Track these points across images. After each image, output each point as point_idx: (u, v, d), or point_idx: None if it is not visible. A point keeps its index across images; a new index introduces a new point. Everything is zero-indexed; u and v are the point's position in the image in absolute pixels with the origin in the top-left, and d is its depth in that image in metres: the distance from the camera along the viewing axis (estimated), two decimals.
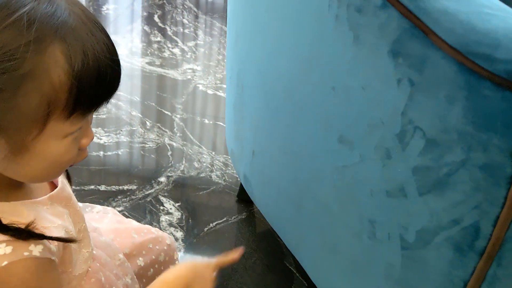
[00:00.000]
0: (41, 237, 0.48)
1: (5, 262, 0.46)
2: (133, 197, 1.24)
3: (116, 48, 0.48)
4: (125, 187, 1.27)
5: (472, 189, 0.49)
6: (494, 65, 0.43)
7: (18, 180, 0.49)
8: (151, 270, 0.77)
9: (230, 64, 1.01)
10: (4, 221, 0.47)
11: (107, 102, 0.48)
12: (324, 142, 0.70)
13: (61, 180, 0.59)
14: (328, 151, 0.69)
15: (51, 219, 0.53)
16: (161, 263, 0.78)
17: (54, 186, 0.58)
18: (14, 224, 0.47)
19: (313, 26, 0.65)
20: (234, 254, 0.65)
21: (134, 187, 1.28)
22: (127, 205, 1.21)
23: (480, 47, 0.43)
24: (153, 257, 0.77)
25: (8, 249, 0.46)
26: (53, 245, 0.51)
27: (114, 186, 1.27)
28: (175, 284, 0.59)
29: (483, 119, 0.46)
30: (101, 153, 1.38)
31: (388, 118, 0.57)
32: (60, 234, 0.52)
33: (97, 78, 0.44)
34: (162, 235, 0.81)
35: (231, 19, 0.96)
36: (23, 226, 0.47)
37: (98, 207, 0.82)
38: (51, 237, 0.50)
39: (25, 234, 0.47)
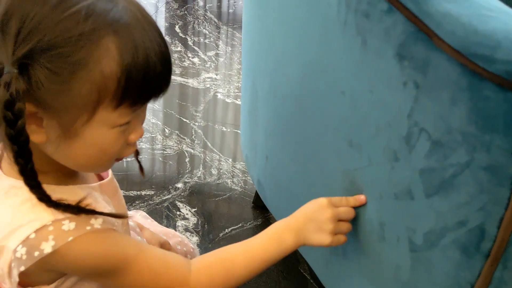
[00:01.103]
0: (92, 212, 0.51)
1: (71, 238, 0.49)
2: (150, 202, 1.27)
3: None
4: (143, 193, 1.30)
5: (477, 190, 0.49)
6: (495, 66, 0.43)
7: (67, 166, 0.52)
8: None
9: (245, 72, 1.03)
10: (68, 202, 0.50)
11: (156, 99, 0.50)
12: (334, 146, 0.71)
13: (111, 173, 0.62)
14: (338, 155, 0.70)
15: (103, 204, 0.56)
16: None
17: (102, 179, 0.62)
18: (64, 201, 0.49)
19: (321, 32, 0.67)
20: (355, 198, 0.64)
21: (152, 192, 1.30)
22: (145, 210, 1.23)
23: (480, 48, 0.44)
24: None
25: (72, 225, 0.50)
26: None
27: (132, 191, 1.30)
28: (286, 231, 0.60)
29: (486, 120, 0.46)
30: None
31: (395, 120, 0.58)
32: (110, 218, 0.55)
33: (145, 73, 0.46)
34: (185, 238, 0.83)
35: (245, 29, 0.99)
36: (82, 203, 0.51)
37: (128, 212, 0.84)
38: (103, 212, 0.52)
39: (77, 209, 0.50)
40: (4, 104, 0.43)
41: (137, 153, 0.63)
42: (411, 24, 0.52)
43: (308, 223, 0.61)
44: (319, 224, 0.61)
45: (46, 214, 0.49)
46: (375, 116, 0.61)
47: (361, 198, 0.64)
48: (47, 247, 0.48)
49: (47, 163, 0.51)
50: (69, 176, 0.55)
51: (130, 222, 0.73)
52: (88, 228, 0.51)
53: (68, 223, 0.49)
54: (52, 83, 0.44)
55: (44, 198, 0.49)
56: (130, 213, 0.84)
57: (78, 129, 0.47)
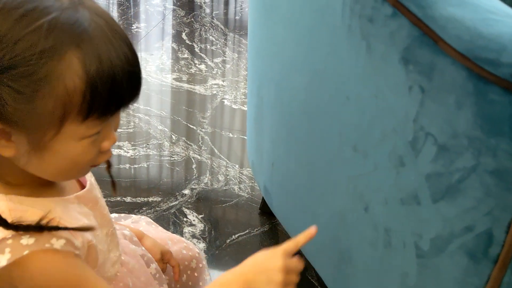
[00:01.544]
0: (55, 228, 0.50)
1: (27, 251, 0.48)
2: (157, 208, 1.27)
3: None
4: (150, 199, 1.30)
5: (484, 195, 0.49)
6: (500, 69, 0.43)
7: (42, 177, 0.52)
8: (184, 276, 0.79)
9: (251, 78, 1.03)
10: (32, 217, 0.49)
11: (125, 109, 0.50)
12: (339, 152, 0.70)
13: (90, 181, 0.61)
14: (343, 160, 0.70)
15: (78, 217, 0.55)
16: (193, 270, 0.80)
17: (83, 187, 0.60)
18: (23, 220, 0.49)
19: (326, 38, 0.67)
20: (305, 235, 0.61)
21: (159, 199, 1.30)
22: (151, 216, 1.23)
23: (486, 52, 0.44)
24: (186, 263, 0.79)
25: (31, 240, 0.49)
26: (78, 240, 0.53)
27: (139, 198, 1.30)
28: (234, 283, 0.57)
29: (491, 123, 0.46)
30: (127, 165, 1.42)
31: (400, 125, 0.57)
32: (84, 232, 0.54)
33: (111, 86, 0.46)
34: (190, 243, 0.83)
35: (251, 36, 0.99)
36: (43, 221, 0.49)
37: (133, 217, 0.84)
38: (66, 227, 0.51)
39: (38, 228, 0.49)
40: None
41: (108, 165, 0.62)
42: (416, 28, 0.52)
43: (259, 274, 0.58)
44: (270, 275, 0.58)
45: None
46: (380, 121, 0.60)
47: (311, 231, 0.61)
48: (3, 260, 0.48)
49: (21, 176, 0.51)
50: (44, 187, 0.54)
51: (125, 231, 0.72)
52: (47, 245, 0.50)
53: (28, 238, 0.49)
54: (16, 101, 0.44)
55: (0, 222, 0.48)
56: (134, 217, 0.84)
57: (47, 143, 0.47)
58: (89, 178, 0.62)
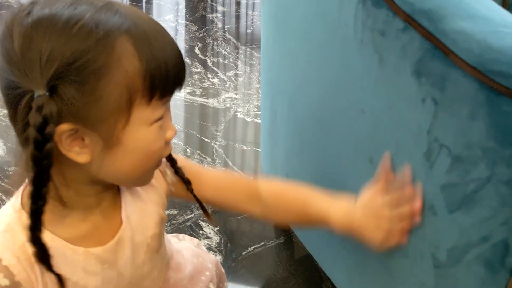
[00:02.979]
0: (48, 266, 0.51)
1: None
2: (174, 221, 1.28)
3: None
4: (167, 212, 1.31)
5: (499, 204, 0.49)
6: (511, 81, 0.44)
7: (111, 182, 0.53)
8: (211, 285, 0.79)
9: (264, 92, 1.05)
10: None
11: (180, 88, 0.52)
12: (354, 163, 0.71)
13: (114, 241, 0.56)
14: (359, 172, 0.71)
15: (71, 270, 0.53)
16: (217, 278, 0.79)
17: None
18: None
19: (339, 51, 0.68)
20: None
21: (175, 212, 1.32)
22: (168, 230, 1.25)
23: (496, 64, 0.45)
24: (208, 273, 0.78)
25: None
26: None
27: None
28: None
29: (505, 134, 0.46)
30: None
31: (414, 137, 0.58)
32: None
33: (165, 62, 0.48)
34: (201, 252, 0.82)
35: (263, 50, 1.00)
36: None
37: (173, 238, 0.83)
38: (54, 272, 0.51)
39: (41, 255, 0.50)
40: (38, 127, 0.45)
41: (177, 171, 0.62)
42: (427, 41, 0.53)
43: (369, 219, 0.62)
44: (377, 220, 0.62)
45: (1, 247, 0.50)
46: (395, 133, 0.61)
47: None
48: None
49: (73, 196, 0.52)
50: (74, 226, 0.53)
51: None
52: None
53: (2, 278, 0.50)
54: (83, 95, 0.45)
55: (36, 227, 0.49)
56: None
57: (120, 136, 0.49)
58: (128, 234, 0.57)
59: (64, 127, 0.46)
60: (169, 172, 0.63)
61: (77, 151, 0.48)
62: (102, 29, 0.46)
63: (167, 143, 0.54)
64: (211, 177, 0.68)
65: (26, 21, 0.46)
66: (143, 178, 0.56)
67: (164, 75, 0.49)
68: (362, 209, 0.63)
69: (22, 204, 0.52)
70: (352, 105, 0.68)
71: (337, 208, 0.64)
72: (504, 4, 1.08)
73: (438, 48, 0.51)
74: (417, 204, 0.59)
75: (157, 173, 0.61)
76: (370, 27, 0.60)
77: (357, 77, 0.66)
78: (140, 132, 0.49)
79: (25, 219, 0.50)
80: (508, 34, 0.46)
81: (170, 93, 0.51)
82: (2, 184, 1.32)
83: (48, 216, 0.50)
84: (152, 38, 0.48)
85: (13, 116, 0.48)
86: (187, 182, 0.63)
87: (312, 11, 0.73)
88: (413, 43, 0.54)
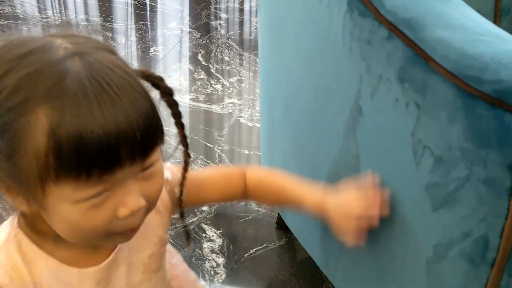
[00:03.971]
0: None
1: None
2: (177, 225, 1.31)
3: None
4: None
5: (477, 202, 0.52)
6: (484, 86, 0.47)
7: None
8: None
9: (262, 98, 1.08)
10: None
11: (114, 169, 0.43)
12: (345, 165, 0.74)
13: (108, 260, 0.54)
14: (351, 174, 0.74)
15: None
16: None
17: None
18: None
19: (329, 60, 0.71)
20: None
21: (179, 215, 1.35)
22: (172, 233, 1.28)
23: (471, 70, 0.48)
24: None
25: None
26: None
27: None
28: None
29: (480, 136, 0.49)
30: None
31: (401, 139, 0.61)
32: None
33: (77, 146, 0.42)
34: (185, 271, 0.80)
35: (261, 58, 1.04)
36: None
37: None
38: None
39: None
40: None
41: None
42: (409, 49, 0.56)
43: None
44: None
45: None
46: (383, 135, 0.64)
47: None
48: None
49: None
50: (61, 247, 0.52)
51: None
52: None
53: None
54: (7, 157, 0.44)
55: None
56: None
57: (43, 203, 0.45)
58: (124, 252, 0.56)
59: None
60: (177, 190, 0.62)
61: (20, 200, 0.47)
62: (24, 93, 0.42)
63: (121, 219, 0.46)
64: (208, 180, 0.70)
65: None
66: (93, 243, 0.52)
67: (74, 158, 0.41)
68: (335, 209, 0.67)
69: (18, 223, 0.52)
70: (343, 110, 0.71)
71: (311, 197, 0.70)
72: (496, 8, 1.11)
73: (419, 55, 0.54)
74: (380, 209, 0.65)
75: (164, 194, 0.59)
76: (357, 36, 0.64)
77: (347, 83, 0.69)
78: (62, 207, 0.44)
79: (20, 239, 0.50)
80: (482, 42, 0.49)
81: (93, 176, 0.42)
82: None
83: (43, 237, 0.50)
84: (72, 115, 0.41)
85: None
86: (181, 203, 0.63)
87: (304, 21, 0.77)
88: (397, 51, 0.58)
